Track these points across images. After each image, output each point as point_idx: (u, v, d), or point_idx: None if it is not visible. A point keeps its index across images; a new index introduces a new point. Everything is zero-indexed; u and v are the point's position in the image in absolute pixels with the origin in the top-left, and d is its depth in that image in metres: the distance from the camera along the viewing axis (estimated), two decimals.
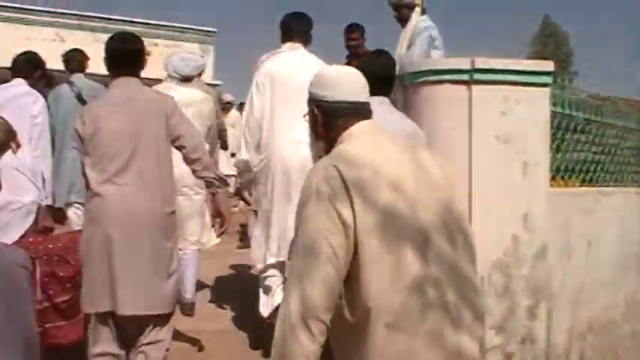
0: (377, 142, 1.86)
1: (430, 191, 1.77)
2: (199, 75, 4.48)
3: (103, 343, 2.87)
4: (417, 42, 4.27)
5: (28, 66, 4.14)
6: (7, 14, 12.20)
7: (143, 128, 2.92)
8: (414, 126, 2.99)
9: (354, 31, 5.53)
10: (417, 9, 4.49)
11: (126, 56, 3.04)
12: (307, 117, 1.96)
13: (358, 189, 1.69)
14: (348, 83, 1.91)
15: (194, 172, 3.02)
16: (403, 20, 4.46)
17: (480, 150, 3.10)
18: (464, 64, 3.13)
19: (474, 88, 3.13)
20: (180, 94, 3.86)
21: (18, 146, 3.34)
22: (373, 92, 2.39)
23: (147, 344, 2.90)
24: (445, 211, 1.77)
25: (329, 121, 1.90)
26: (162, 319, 2.90)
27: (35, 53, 4.30)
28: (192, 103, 4.12)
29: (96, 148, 2.91)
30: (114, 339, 2.89)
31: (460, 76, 3.14)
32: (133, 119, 2.92)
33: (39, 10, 12.38)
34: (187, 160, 3.00)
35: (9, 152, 3.13)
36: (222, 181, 3.09)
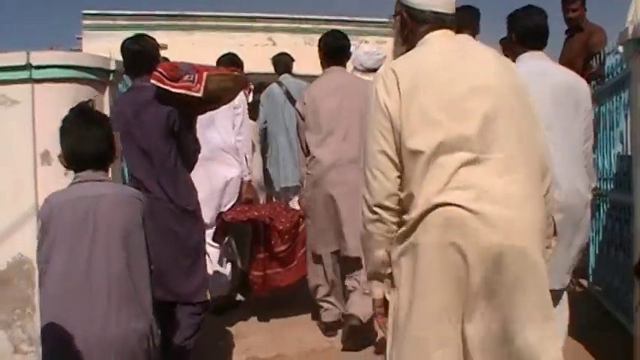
0: (442, 49, 2.04)
1: (474, 97, 1.93)
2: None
3: (321, 275, 3.96)
4: None
5: (231, 65, 4.71)
6: (221, 23, 13.28)
7: (351, 105, 3.88)
8: (575, 77, 3.20)
9: (573, 0, 5.19)
10: None
11: (335, 50, 4.10)
12: (395, 21, 2.17)
13: (405, 90, 1.93)
14: None
15: None
16: None
17: None
18: None
19: None
20: None
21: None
22: (529, 46, 3.11)
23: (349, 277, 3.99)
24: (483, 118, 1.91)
25: (414, 27, 2.10)
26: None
27: (235, 54, 5.15)
28: None
29: (316, 123, 3.94)
30: (333, 272, 4.01)
31: None
32: (342, 99, 3.92)
33: (252, 17, 13.38)
34: None
35: (216, 135, 4.34)
36: None
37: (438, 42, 2.06)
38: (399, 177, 1.98)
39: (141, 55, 3.49)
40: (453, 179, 1.87)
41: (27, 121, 3.38)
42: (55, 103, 3.43)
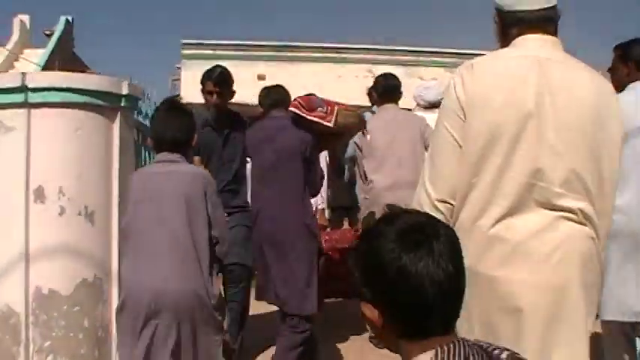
0: (520, 54, 1.86)
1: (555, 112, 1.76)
2: None
3: None
4: None
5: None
6: (320, 54, 13.02)
7: (403, 137, 4.22)
8: None
9: None
10: None
11: (388, 89, 4.55)
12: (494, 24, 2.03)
13: (476, 88, 1.81)
14: None
15: None
16: None
17: None
18: None
19: None
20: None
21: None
22: None
23: None
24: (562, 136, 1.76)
25: (504, 30, 1.97)
26: None
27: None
28: None
29: (371, 153, 4.28)
30: None
31: None
32: (396, 132, 4.22)
33: (351, 48, 13.06)
34: None
35: None
36: None
37: (522, 45, 1.89)
38: None
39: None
40: None
41: (21, 151, 2.89)
42: (54, 130, 2.99)
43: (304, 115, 3.47)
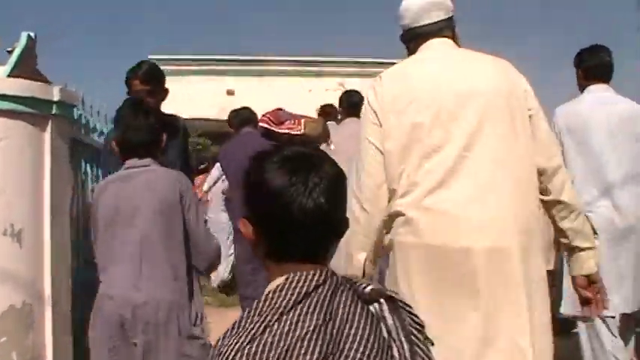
0: (425, 56, 2.13)
1: (461, 98, 1.97)
2: None
3: None
4: None
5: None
6: (290, 68, 12.79)
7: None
8: (636, 106, 3.31)
9: None
10: None
11: (351, 105, 4.70)
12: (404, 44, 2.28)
13: (386, 94, 2.03)
14: (409, 12, 2.17)
15: None
16: None
17: None
18: None
19: None
20: None
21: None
22: (594, 80, 3.39)
23: None
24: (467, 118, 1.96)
25: (410, 45, 2.22)
26: None
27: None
28: None
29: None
30: None
31: None
32: (357, 144, 4.32)
33: (321, 62, 12.85)
34: None
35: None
36: None
37: (424, 49, 2.16)
38: None
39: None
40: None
41: None
42: None
43: (274, 128, 3.83)
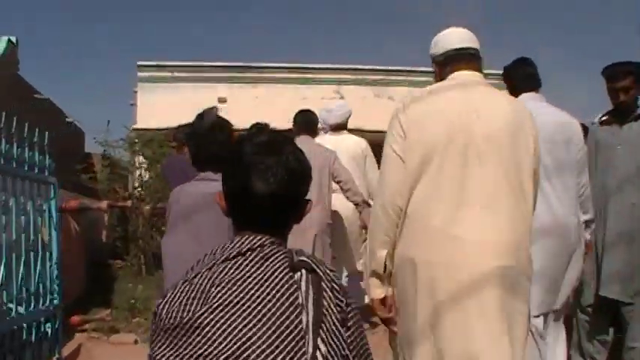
0: (450, 85, 2.37)
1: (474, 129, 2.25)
2: None
3: None
4: None
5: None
6: (285, 75, 12.36)
7: (319, 167, 4.30)
8: (566, 116, 3.55)
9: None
10: None
11: (304, 124, 4.86)
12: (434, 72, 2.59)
13: (412, 114, 2.29)
14: (448, 37, 2.46)
15: (347, 198, 4.59)
16: None
17: None
18: None
19: None
20: (329, 141, 5.03)
21: None
22: (523, 90, 3.63)
23: None
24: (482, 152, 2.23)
25: (441, 73, 2.49)
26: None
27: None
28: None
29: None
30: None
31: None
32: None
33: (316, 68, 12.41)
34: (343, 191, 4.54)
35: None
36: (366, 203, 4.52)
37: (452, 78, 2.45)
38: None
39: None
40: None
41: None
42: None
43: None
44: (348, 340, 1.32)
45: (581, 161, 3.52)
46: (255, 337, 1.21)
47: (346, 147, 5.03)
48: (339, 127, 5.28)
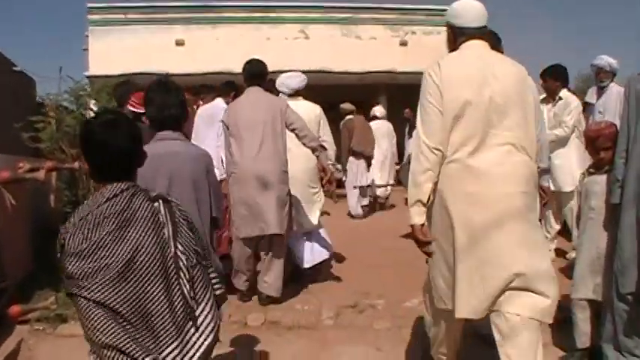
0: (470, 53, 2.94)
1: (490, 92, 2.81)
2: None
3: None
4: None
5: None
6: (244, 15, 11.75)
7: (265, 118, 4.72)
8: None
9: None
10: None
11: (254, 75, 4.86)
12: (447, 33, 3.09)
13: (445, 76, 2.83)
14: (469, 14, 2.99)
15: (303, 144, 4.71)
16: None
17: None
18: None
19: None
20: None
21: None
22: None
23: None
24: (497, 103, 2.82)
25: (454, 38, 3.02)
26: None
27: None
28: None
29: (237, 132, 4.77)
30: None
31: None
32: (259, 112, 4.78)
33: (281, 7, 11.73)
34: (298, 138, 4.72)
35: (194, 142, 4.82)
36: (322, 147, 4.81)
37: (468, 48, 2.95)
38: None
39: None
40: None
41: None
42: None
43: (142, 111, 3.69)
44: (195, 240, 2.09)
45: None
46: (141, 245, 1.93)
47: (302, 112, 5.19)
48: (297, 94, 5.62)
